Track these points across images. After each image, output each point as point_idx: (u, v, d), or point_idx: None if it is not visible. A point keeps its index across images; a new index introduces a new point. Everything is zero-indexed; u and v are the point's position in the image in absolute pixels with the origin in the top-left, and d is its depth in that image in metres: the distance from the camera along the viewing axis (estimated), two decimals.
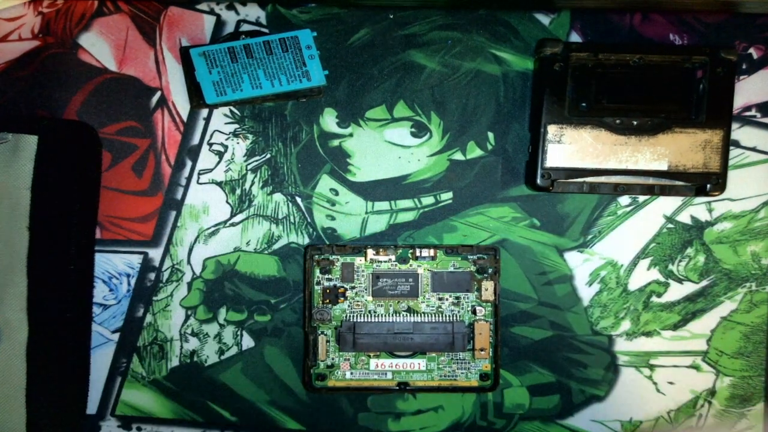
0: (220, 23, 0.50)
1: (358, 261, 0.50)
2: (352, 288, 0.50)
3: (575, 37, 0.50)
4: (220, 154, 0.51)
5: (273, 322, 0.52)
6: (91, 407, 0.52)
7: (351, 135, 0.51)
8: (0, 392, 0.48)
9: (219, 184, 0.51)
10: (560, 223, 0.51)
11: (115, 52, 0.50)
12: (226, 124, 0.51)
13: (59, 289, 0.48)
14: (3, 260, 0.47)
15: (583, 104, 0.48)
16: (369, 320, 0.50)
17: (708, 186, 0.48)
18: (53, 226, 0.47)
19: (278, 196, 0.51)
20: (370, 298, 0.50)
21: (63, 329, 0.48)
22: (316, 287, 0.50)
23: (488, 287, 0.50)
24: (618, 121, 0.48)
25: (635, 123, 0.48)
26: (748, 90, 0.51)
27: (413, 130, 0.51)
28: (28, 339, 0.48)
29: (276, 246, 0.51)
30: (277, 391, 0.52)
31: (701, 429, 0.52)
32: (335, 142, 0.51)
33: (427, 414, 0.52)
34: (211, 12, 0.50)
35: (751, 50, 0.50)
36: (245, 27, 0.50)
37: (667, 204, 0.51)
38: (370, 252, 0.50)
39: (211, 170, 0.51)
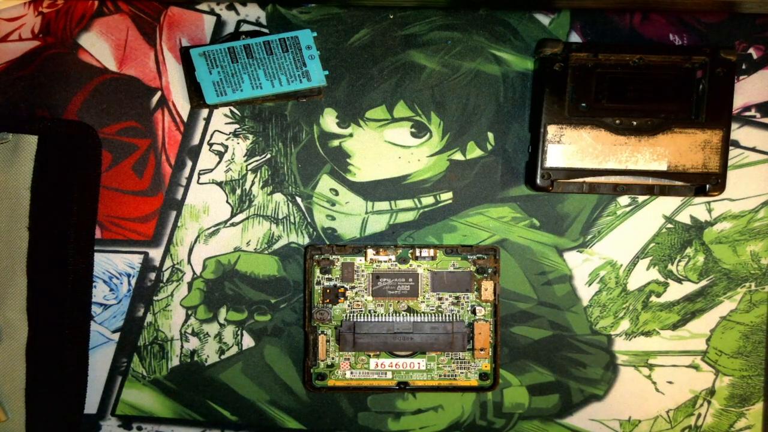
0: (220, 23, 0.50)
1: (358, 261, 0.50)
2: (352, 288, 0.50)
3: (575, 37, 0.50)
4: (221, 154, 0.51)
5: (273, 321, 0.52)
6: (92, 407, 0.52)
7: (351, 135, 0.51)
8: (0, 391, 0.48)
9: (219, 184, 0.51)
10: (560, 223, 0.51)
11: (115, 52, 0.50)
12: (226, 124, 0.51)
13: (59, 289, 0.48)
14: (3, 260, 0.47)
15: (583, 104, 0.48)
16: (369, 320, 0.50)
17: (707, 186, 0.48)
18: (53, 226, 0.48)
19: (278, 196, 0.51)
20: (370, 298, 0.50)
21: (62, 329, 0.48)
22: (316, 287, 0.50)
23: (488, 287, 0.50)
24: (618, 121, 0.48)
25: (635, 123, 0.48)
26: (748, 90, 0.51)
27: (413, 130, 0.51)
28: (28, 339, 0.48)
29: (276, 246, 0.51)
30: (278, 390, 0.52)
31: (700, 428, 0.53)
32: (335, 142, 0.51)
33: (427, 413, 0.52)
34: (211, 12, 0.50)
35: (751, 50, 0.50)
36: (245, 27, 0.50)
37: (666, 204, 0.51)
38: (370, 252, 0.50)
39: (211, 170, 0.51)
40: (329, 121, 0.51)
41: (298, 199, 0.51)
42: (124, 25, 0.50)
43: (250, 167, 0.51)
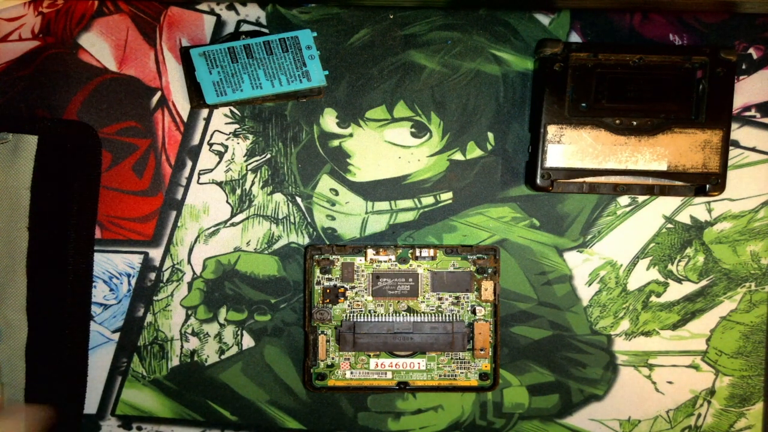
0: (220, 23, 0.50)
1: (358, 261, 0.50)
2: (352, 288, 0.50)
3: (575, 37, 0.50)
4: (221, 154, 0.51)
5: (273, 321, 0.52)
6: (92, 407, 0.52)
7: (351, 135, 0.51)
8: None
9: (219, 184, 0.51)
10: (560, 223, 0.51)
11: (115, 52, 0.50)
12: (226, 124, 0.51)
13: (59, 289, 0.48)
14: (3, 260, 0.47)
15: (583, 104, 0.48)
16: (369, 320, 0.50)
17: (707, 186, 0.48)
18: (53, 226, 0.48)
19: (278, 196, 0.51)
20: (370, 298, 0.50)
21: (62, 329, 0.48)
22: (316, 287, 0.50)
23: (488, 287, 0.50)
24: (618, 121, 0.48)
25: (635, 123, 0.48)
26: (748, 90, 0.51)
27: (413, 130, 0.51)
28: (28, 339, 0.48)
29: (276, 246, 0.51)
30: (277, 390, 0.52)
31: (700, 428, 0.53)
32: (335, 142, 0.51)
33: (427, 413, 0.52)
34: (211, 12, 0.50)
35: (751, 50, 0.50)
36: (245, 27, 0.50)
37: (666, 204, 0.51)
38: (370, 252, 0.50)
39: (211, 170, 0.51)
40: (329, 121, 0.51)
41: (298, 199, 0.51)
42: (124, 25, 0.50)
43: (250, 167, 0.51)
